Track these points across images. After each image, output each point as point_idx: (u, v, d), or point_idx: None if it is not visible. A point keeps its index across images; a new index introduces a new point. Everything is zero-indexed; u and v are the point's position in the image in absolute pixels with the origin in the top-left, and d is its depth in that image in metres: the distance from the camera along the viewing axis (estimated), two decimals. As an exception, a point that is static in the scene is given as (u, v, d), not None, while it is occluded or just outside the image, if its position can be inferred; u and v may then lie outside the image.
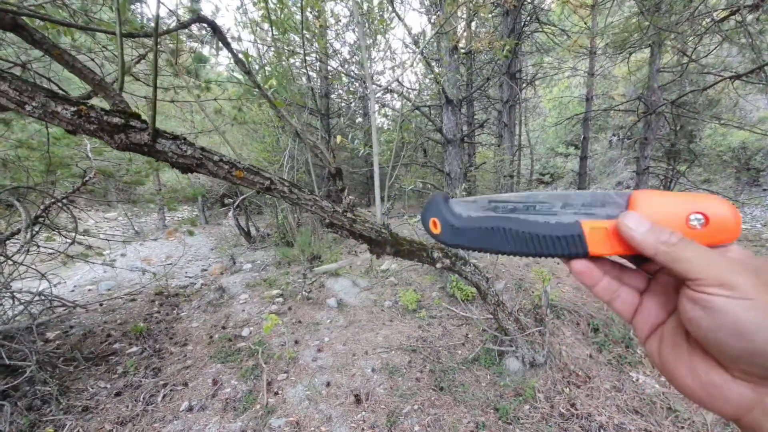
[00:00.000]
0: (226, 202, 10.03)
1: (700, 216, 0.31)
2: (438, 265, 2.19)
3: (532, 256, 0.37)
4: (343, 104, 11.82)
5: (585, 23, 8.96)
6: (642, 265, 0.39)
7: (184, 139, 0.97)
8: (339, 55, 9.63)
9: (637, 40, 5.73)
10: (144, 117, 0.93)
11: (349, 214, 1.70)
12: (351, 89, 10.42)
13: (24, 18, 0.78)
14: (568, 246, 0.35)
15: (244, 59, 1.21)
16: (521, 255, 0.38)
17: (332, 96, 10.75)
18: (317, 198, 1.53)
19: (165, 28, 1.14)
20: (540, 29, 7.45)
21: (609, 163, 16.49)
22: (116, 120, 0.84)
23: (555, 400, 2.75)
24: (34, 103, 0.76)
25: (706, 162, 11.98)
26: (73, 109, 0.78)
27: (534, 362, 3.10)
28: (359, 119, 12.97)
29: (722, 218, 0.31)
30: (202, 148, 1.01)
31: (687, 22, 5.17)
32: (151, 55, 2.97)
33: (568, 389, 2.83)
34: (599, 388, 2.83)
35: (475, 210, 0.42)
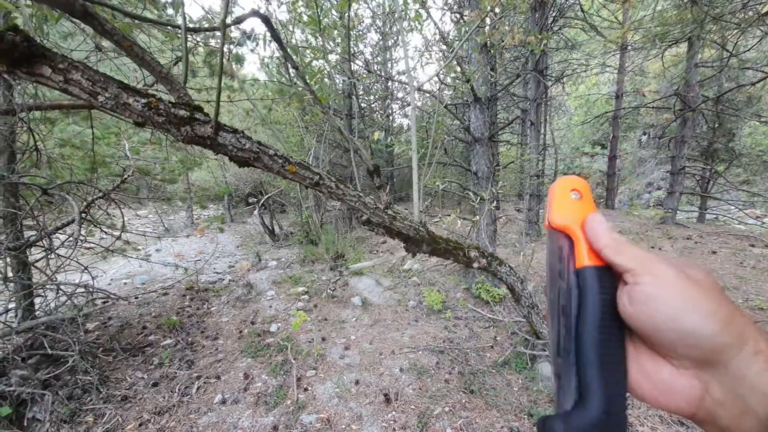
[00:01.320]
0: (250, 201, 10.25)
1: (575, 192, 0.38)
2: (475, 265, 2.14)
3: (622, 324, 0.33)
4: (364, 105, 11.86)
5: (615, 17, 8.64)
6: None
7: (243, 132, 0.97)
8: (362, 56, 9.69)
9: (676, 34, 5.46)
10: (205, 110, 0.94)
11: (389, 211, 1.68)
12: (374, 90, 10.45)
13: (95, 6, 0.79)
14: (604, 283, 0.34)
15: (293, 54, 1.21)
16: (619, 324, 0.33)
17: (352, 97, 10.81)
18: (360, 194, 1.51)
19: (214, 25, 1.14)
20: (573, 23, 7.22)
21: (638, 163, 15.85)
22: (182, 113, 0.84)
23: (592, 407, 2.64)
24: (107, 94, 0.77)
25: (746, 162, 11.30)
26: (143, 101, 0.79)
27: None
28: (380, 119, 13.01)
29: (584, 186, 0.39)
30: (259, 142, 1.01)
31: (732, 14, 4.89)
32: (190, 56, 3.05)
33: (606, 397, 2.71)
34: (640, 397, 2.70)
35: (569, 381, 0.32)
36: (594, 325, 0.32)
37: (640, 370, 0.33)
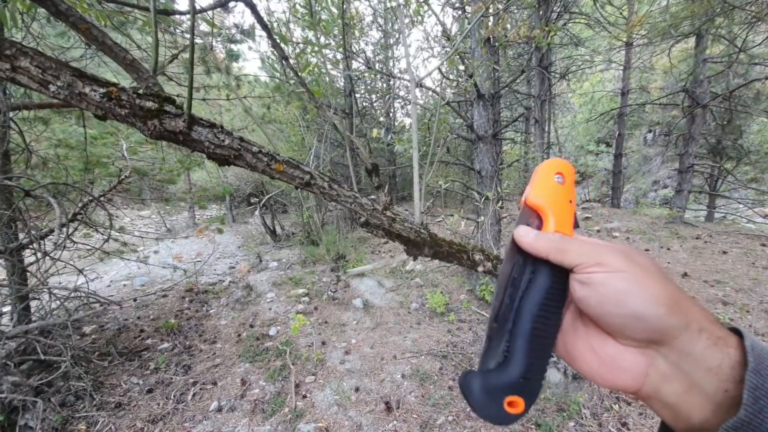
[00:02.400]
0: (252, 201, 10.19)
1: (559, 176, 0.38)
2: (480, 269, 2.03)
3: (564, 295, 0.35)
4: (366, 104, 11.77)
5: (621, 13, 8.47)
6: None
7: (222, 127, 0.87)
8: (363, 54, 9.59)
9: (686, 28, 5.31)
10: (179, 102, 0.84)
11: (388, 213, 1.57)
12: (375, 87, 10.34)
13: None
14: (558, 268, 0.36)
15: (282, 43, 1.11)
16: (560, 305, 0.35)
17: (352, 95, 10.74)
18: (356, 194, 1.41)
19: (200, 7, 1.05)
20: (577, 19, 7.07)
21: (644, 161, 15.63)
22: (149, 104, 0.75)
23: (603, 417, 2.53)
24: (58, 83, 0.68)
25: (755, 159, 11.06)
26: (102, 90, 0.69)
27: (577, 374, 2.87)
28: (381, 118, 12.91)
29: (569, 171, 0.39)
30: (241, 138, 0.91)
31: (744, 6, 4.74)
32: (184, 54, 2.96)
33: (617, 406, 2.60)
34: (653, 406, 2.58)
35: (498, 345, 0.35)
36: (537, 302, 0.34)
37: (588, 348, 0.35)
